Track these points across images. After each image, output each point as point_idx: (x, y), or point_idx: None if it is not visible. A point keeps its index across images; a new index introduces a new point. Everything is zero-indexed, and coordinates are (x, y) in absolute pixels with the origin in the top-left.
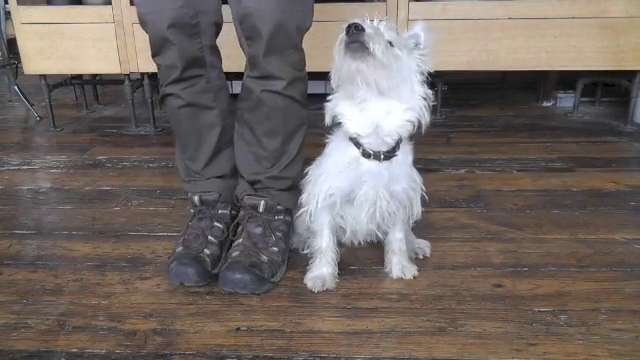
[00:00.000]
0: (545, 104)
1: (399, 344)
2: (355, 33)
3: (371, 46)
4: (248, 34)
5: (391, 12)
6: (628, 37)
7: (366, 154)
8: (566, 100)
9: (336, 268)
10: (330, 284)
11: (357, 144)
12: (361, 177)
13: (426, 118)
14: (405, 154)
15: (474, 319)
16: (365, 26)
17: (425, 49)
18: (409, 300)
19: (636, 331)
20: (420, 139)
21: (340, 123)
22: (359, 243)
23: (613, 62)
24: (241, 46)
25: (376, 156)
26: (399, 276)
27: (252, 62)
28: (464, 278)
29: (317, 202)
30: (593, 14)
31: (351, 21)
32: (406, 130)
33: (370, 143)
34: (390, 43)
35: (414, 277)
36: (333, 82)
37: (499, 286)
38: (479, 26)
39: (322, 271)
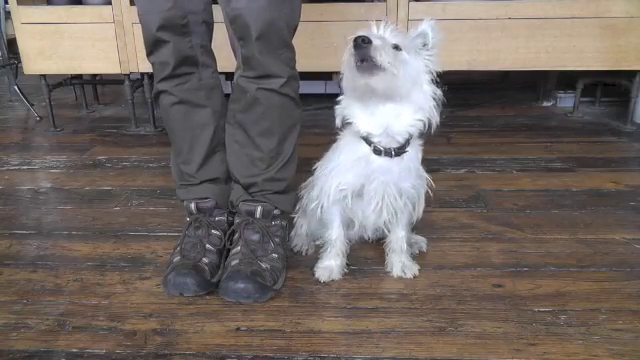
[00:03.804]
0: (545, 104)
1: (399, 344)
2: (363, 47)
3: (379, 60)
4: (240, 34)
5: (391, 12)
6: (628, 37)
7: (377, 151)
8: (566, 100)
9: (344, 259)
10: (337, 275)
11: (368, 141)
12: (372, 173)
13: (436, 117)
14: (415, 151)
15: (474, 319)
16: (372, 37)
17: (433, 49)
18: (409, 300)
19: (636, 331)
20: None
21: (350, 122)
22: (368, 238)
23: (613, 62)
24: (232, 47)
25: (387, 152)
26: (400, 275)
27: (247, 63)
28: (464, 278)
29: (329, 196)
30: (593, 14)
31: (358, 33)
32: (416, 129)
33: (381, 141)
34: (397, 47)
35: (414, 276)
36: (343, 87)
37: (499, 286)
38: (479, 26)
39: (331, 262)
